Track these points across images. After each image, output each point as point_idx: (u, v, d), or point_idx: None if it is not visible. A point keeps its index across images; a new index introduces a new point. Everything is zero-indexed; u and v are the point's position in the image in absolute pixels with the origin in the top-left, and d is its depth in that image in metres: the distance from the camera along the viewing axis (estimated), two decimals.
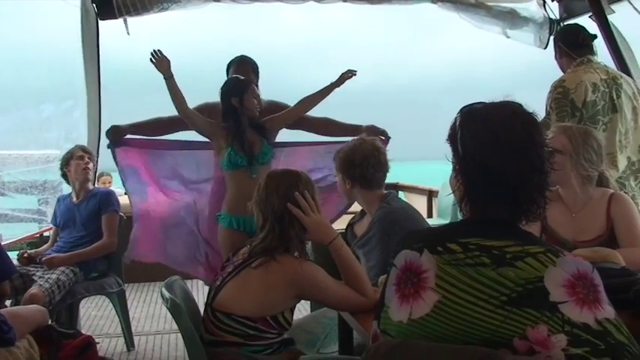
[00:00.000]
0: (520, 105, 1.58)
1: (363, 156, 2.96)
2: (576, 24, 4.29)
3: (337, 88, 4.19)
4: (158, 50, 3.93)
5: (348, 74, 4.20)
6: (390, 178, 3.17)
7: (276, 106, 4.33)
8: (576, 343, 1.38)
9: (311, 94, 4.21)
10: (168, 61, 3.94)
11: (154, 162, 4.40)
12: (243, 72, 4.23)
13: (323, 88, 4.20)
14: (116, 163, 4.32)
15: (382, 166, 3.02)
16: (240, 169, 4.02)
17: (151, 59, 3.91)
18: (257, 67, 4.37)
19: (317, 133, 4.43)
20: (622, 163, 3.78)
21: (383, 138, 4.21)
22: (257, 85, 4.26)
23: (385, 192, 3.03)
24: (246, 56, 4.41)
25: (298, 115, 4.23)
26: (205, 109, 4.25)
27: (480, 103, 1.60)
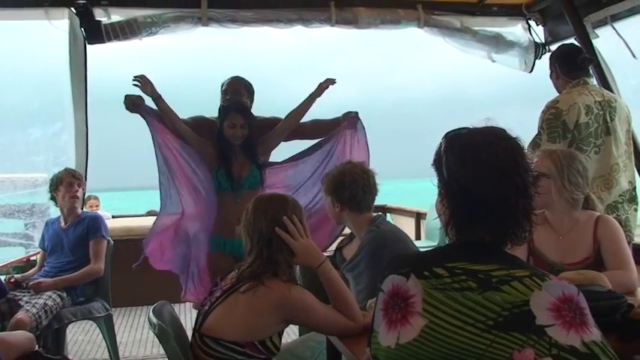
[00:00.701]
0: (504, 130, 1.60)
1: (352, 179, 2.97)
2: (574, 45, 4.27)
3: (319, 98, 4.27)
4: (139, 75, 4.01)
5: (326, 83, 4.27)
6: (378, 198, 3.17)
7: (277, 121, 4.35)
8: None
9: (295, 107, 4.28)
10: (151, 83, 4.01)
11: (182, 149, 4.26)
12: (235, 88, 4.26)
13: (305, 100, 4.27)
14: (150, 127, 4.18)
15: (371, 189, 3.03)
16: (227, 193, 4.06)
17: (134, 84, 3.94)
18: (251, 87, 4.37)
19: (309, 138, 4.44)
20: (622, 185, 3.78)
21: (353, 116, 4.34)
22: (251, 105, 4.30)
23: (374, 215, 3.04)
24: (240, 76, 4.42)
25: (288, 130, 4.27)
26: (201, 121, 4.29)
27: (465, 128, 1.62)
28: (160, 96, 4.06)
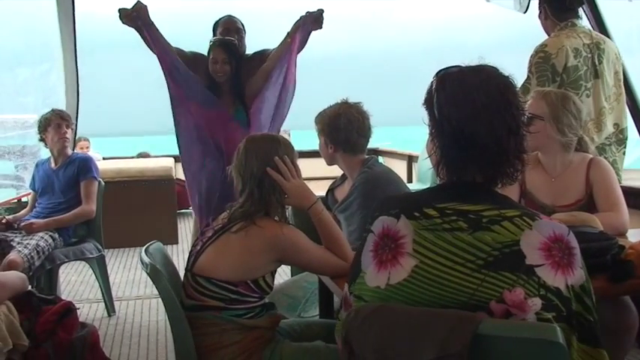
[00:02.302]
0: (495, 68, 1.58)
1: (348, 120, 2.93)
2: None
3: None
4: (136, 3, 3.92)
5: (300, 21, 4.15)
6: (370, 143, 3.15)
7: (266, 55, 4.27)
8: (548, 308, 1.41)
9: (274, 48, 4.20)
10: (146, 7, 3.94)
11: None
12: (225, 27, 4.19)
13: (282, 40, 4.18)
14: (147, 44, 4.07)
15: (366, 131, 3.00)
16: None
17: (132, 13, 3.89)
18: (242, 26, 4.30)
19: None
20: (608, 128, 3.78)
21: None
22: (242, 45, 4.23)
23: (366, 157, 3.02)
24: (231, 15, 4.33)
25: (270, 69, 4.15)
26: (199, 58, 4.19)
27: (456, 66, 1.60)
28: (153, 23, 3.97)
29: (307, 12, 4.17)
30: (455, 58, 1.64)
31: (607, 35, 4.16)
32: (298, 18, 4.17)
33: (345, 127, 2.92)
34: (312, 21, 4.17)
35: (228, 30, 4.16)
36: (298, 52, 4.20)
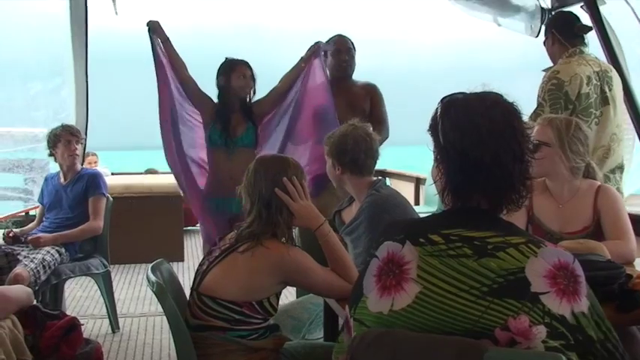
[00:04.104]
0: (500, 95, 1.59)
1: (355, 142, 2.93)
2: (571, 12, 4.25)
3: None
4: (152, 20, 4.15)
5: (314, 46, 4.31)
6: (386, 162, 3.17)
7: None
8: (554, 336, 1.40)
9: (287, 72, 4.35)
10: (160, 26, 4.15)
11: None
12: (242, 72, 4.22)
13: (296, 64, 4.33)
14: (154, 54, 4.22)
15: (373, 153, 3.00)
16: (219, 148, 4.10)
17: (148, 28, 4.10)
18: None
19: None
20: (618, 154, 3.78)
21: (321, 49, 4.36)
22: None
23: (374, 179, 3.02)
24: (245, 60, 4.35)
25: (281, 93, 4.32)
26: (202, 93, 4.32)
27: (461, 93, 1.60)
28: (168, 38, 4.16)
29: (318, 42, 4.37)
30: (474, 80, 1.65)
31: (617, 63, 4.18)
32: (313, 44, 4.32)
33: (352, 149, 2.92)
34: (322, 48, 4.36)
35: (339, 51, 4.39)
36: (325, 77, 4.31)
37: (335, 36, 4.48)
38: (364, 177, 2.98)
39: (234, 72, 4.14)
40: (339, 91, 4.33)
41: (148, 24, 4.15)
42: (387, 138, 4.42)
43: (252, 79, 4.21)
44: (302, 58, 4.30)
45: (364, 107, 4.40)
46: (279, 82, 4.31)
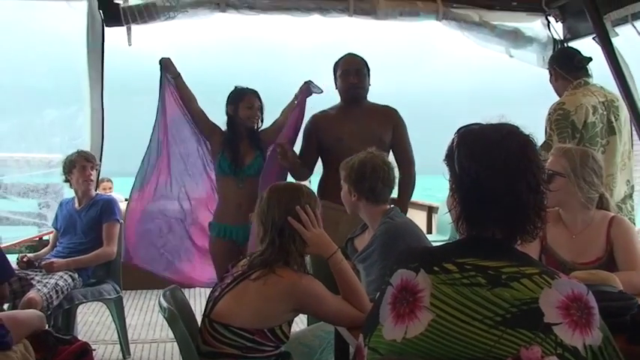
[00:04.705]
0: (516, 126, 1.60)
1: (373, 170, 2.94)
2: (570, 47, 4.39)
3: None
4: (164, 58, 4.27)
5: (304, 86, 4.31)
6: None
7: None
8: None
9: (286, 106, 4.38)
10: (172, 62, 4.25)
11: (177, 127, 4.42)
12: (251, 103, 4.25)
13: (290, 102, 4.35)
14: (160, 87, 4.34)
15: (390, 182, 3.01)
16: (229, 177, 4.13)
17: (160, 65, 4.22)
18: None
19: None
20: (621, 185, 3.81)
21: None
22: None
23: (388, 207, 3.03)
24: (254, 89, 4.38)
25: (281, 126, 4.31)
26: (212, 124, 4.38)
27: (477, 123, 1.62)
28: (180, 75, 4.26)
29: (307, 81, 4.33)
30: (490, 106, 1.66)
31: (630, 94, 4.20)
32: (302, 84, 4.32)
33: (370, 177, 2.93)
34: (309, 89, 4.31)
35: (347, 72, 4.12)
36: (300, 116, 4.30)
37: (345, 55, 4.22)
38: (379, 205, 2.99)
39: (242, 102, 4.19)
40: (350, 116, 4.11)
41: (160, 61, 4.26)
42: (415, 175, 4.20)
43: (260, 109, 4.24)
44: (295, 95, 4.32)
45: (381, 135, 4.03)
46: (280, 115, 4.37)
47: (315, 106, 4.37)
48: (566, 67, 3.94)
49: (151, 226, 4.39)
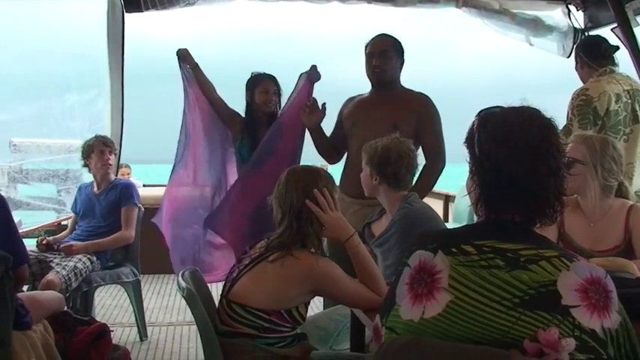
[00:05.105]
0: (537, 110, 1.60)
1: (399, 155, 2.93)
2: (598, 35, 4.31)
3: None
4: (182, 48, 4.21)
5: (310, 69, 4.12)
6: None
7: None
8: (582, 349, 1.40)
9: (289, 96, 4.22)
10: (189, 53, 4.18)
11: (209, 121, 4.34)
12: (265, 88, 4.21)
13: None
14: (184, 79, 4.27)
15: (413, 169, 3.01)
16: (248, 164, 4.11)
17: (177, 56, 4.16)
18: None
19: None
20: None
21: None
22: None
23: (407, 193, 3.02)
24: (269, 74, 4.32)
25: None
26: (231, 111, 4.33)
27: (498, 107, 1.62)
28: (197, 65, 4.19)
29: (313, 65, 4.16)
30: (509, 96, 1.65)
31: None
32: (303, 73, 4.16)
33: (395, 162, 2.92)
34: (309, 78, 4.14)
35: (371, 54, 3.86)
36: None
37: (375, 36, 3.92)
38: (399, 191, 2.99)
39: (257, 87, 4.16)
40: (373, 102, 3.89)
41: (177, 52, 4.21)
42: (442, 169, 3.83)
43: (277, 93, 4.21)
44: (300, 75, 4.15)
45: (397, 123, 3.63)
46: (286, 101, 4.23)
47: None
48: (593, 55, 3.91)
49: (184, 234, 4.33)
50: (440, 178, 3.85)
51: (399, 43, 3.90)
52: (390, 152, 2.92)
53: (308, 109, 3.90)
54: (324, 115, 3.96)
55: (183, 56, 4.19)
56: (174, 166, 4.30)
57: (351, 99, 4.03)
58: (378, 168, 2.94)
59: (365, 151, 3.02)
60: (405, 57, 3.92)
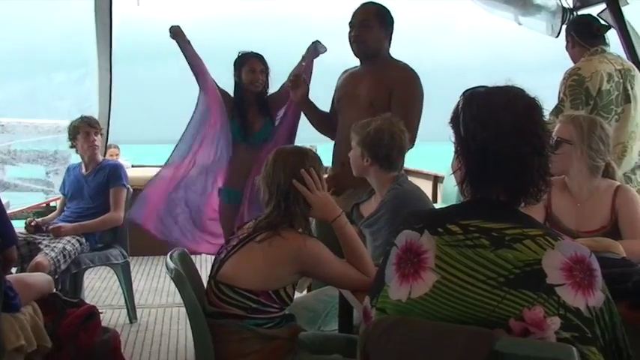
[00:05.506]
0: (522, 89, 1.60)
1: (392, 138, 2.90)
2: (589, 14, 4.30)
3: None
4: (174, 25, 4.12)
5: (312, 45, 4.17)
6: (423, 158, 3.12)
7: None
8: (567, 327, 1.41)
9: (293, 68, 4.21)
10: (178, 26, 4.11)
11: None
12: (252, 67, 4.19)
13: (298, 63, 4.22)
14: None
15: (404, 150, 2.99)
16: (239, 144, 4.11)
17: (170, 35, 4.07)
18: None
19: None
20: (634, 152, 3.79)
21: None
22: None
23: (397, 174, 3.00)
24: (255, 52, 4.30)
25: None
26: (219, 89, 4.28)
27: (483, 86, 1.63)
28: (189, 42, 4.12)
29: (315, 41, 4.18)
30: (497, 76, 1.64)
31: (638, 62, 4.17)
32: (310, 44, 4.19)
33: (387, 144, 2.90)
34: (317, 49, 4.18)
35: (351, 24, 3.70)
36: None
37: (359, 6, 3.72)
38: (390, 172, 2.98)
39: (244, 66, 4.14)
40: (356, 76, 3.77)
41: (170, 29, 4.11)
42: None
43: (264, 72, 4.18)
44: (303, 56, 4.20)
45: (372, 100, 3.57)
46: (287, 78, 4.15)
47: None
48: (584, 34, 3.90)
49: (174, 197, 4.31)
50: (430, 158, 3.83)
51: (385, 12, 3.70)
52: (382, 134, 2.90)
53: (292, 84, 3.87)
54: (308, 87, 3.92)
55: (176, 32, 4.14)
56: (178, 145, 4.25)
57: (344, 72, 3.95)
58: (370, 149, 2.92)
59: (355, 132, 2.98)
60: (399, 41, 3.83)
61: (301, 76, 3.92)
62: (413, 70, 3.67)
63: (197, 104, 4.22)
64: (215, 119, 4.18)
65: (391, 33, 3.73)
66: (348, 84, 3.81)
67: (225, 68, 4.33)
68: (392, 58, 3.76)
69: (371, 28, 3.64)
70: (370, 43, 3.66)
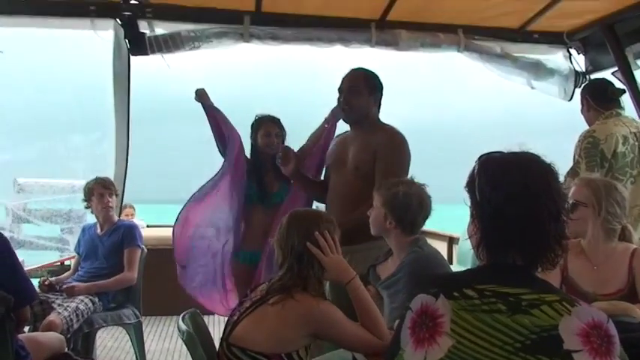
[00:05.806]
0: (537, 155, 1.61)
1: (419, 203, 2.90)
2: (604, 78, 4.34)
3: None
4: (199, 88, 4.23)
5: (334, 109, 4.13)
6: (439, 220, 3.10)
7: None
8: None
9: (314, 131, 4.28)
10: (203, 89, 4.21)
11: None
12: (267, 131, 4.24)
13: (320, 125, 4.25)
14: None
15: (428, 215, 2.98)
16: (256, 205, 4.11)
17: (195, 98, 4.17)
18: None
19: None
20: None
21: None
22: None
23: (417, 236, 2.98)
24: (271, 115, 4.34)
25: (309, 148, 4.26)
26: None
27: (498, 152, 1.64)
28: (212, 104, 4.20)
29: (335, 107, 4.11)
30: (509, 137, 1.66)
31: None
32: (333, 108, 4.15)
33: (415, 210, 2.89)
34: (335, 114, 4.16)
35: (340, 90, 3.75)
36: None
37: (348, 71, 3.77)
38: (411, 235, 2.97)
39: (259, 130, 4.20)
40: (345, 141, 3.81)
41: (195, 92, 4.21)
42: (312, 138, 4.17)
43: (279, 136, 4.22)
44: (325, 119, 4.22)
45: (358, 164, 3.60)
46: (308, 140, 4.28)
47: None
48: (599, 98, 3.95)
49: (200, 244, 4.30)
50: (444, 219, 3.81)
51: (373, 77, 3.72)
52: (411, 198, 2.89)
53: (282, 160, 3.81)
54: (295, 160, 3.85)
55: (200, 95, 4.21)
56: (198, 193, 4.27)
57: (337, 137, 4.03)
58: (396, 213, 2.90)
59: (381, 194, 2.96)
60: (406, 93, 3.89)
61: (291, 151, 3.87)
62: (399, 134, 3.64)
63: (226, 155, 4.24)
64: (233, 175, 4.21)
65: (380, 98, 3.74)
66: (337, 149, 3.84)
67: (243, 123, 4.38)
68: (380, 122, 3.76)
69: (359, 94, 3.66)
70: (358, 109, 3.68)
